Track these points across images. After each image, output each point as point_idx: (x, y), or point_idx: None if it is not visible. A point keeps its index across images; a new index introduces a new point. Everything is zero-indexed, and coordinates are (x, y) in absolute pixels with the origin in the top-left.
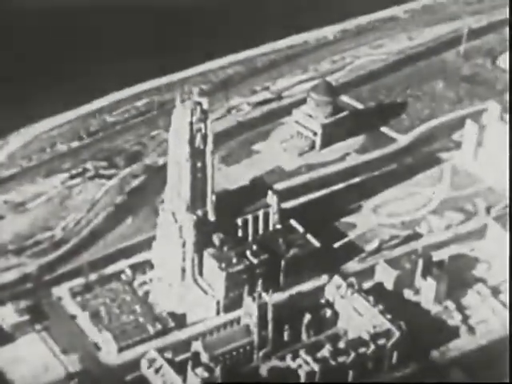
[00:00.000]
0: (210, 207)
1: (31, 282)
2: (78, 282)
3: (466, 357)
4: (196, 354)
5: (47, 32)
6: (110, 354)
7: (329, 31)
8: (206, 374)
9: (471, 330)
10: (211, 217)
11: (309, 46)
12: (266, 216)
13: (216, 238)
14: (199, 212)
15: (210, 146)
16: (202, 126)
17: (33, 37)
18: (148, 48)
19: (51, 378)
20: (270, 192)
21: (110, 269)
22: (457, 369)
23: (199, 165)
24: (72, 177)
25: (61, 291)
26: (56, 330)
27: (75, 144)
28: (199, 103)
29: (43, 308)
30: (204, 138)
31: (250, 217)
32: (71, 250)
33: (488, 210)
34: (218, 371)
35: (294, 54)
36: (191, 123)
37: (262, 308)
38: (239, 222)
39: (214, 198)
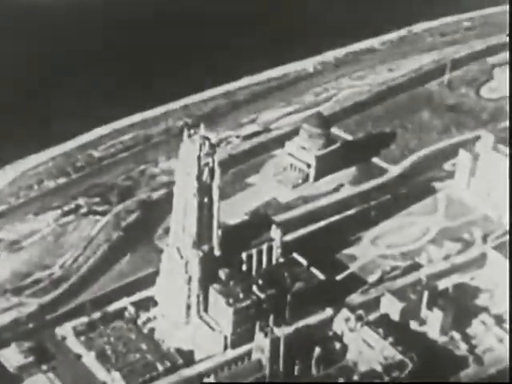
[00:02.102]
0: (215, 242)
1: (33, 322)
2: (81, 321)
3: None
4: None
5: (28, 69)
6: None
7: (308, 63)
8: None
9: (478, 359)
10: (217, 252)
11: (289, 78)
12: (270, 250)
13: (222, 273)
14: (205, 247)
15: (217, 181)
16: (210, 160)
17: (15, 74)
18: (129, 83)
19: None
20: (273, 226)
21: (112, 307)
22: None
23: (206, 200)
24: (65, 214)
25: (64, 331)
26: (63, 371)
27: (63, 180)
28: (207, 138)
29: (48, 348)
30: (211, 172)
31: (254, 251)
32: (71, 289)
33: (485, 238)
34: None
35: (275, 87)
36: (199, 158)
37: (274, 343)
38: (244, 256)
39: (219, 232)
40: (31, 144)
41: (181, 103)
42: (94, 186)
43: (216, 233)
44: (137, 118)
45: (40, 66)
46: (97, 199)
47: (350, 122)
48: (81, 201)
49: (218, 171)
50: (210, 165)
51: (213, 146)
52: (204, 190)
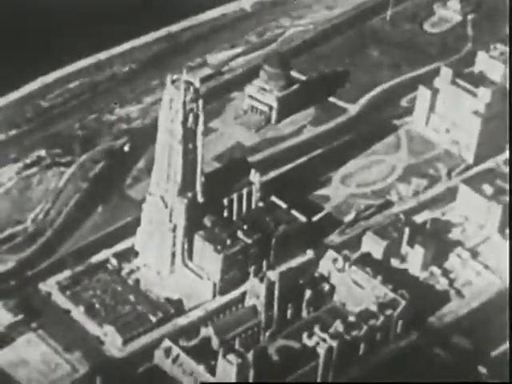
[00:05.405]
0: (199, 189)
1: (15, 279)
2: (64, 275)
3: (461, 320)
4: (206, 340)
5: None
6: (115, 348)
7: (246, 3)
8: (239, 361)
9: (459, 293)
10: (200, 199)
11: (229, 18)
12: (249, 194)
13: (207, 220)
14: (189, 194)
15: (201, 127)
16: (195, 105)
17: None
18: (69, 29)
19: (59, 376)
20: (252, 170)
21: (94, 259)
22: (458, 334)
23: (190, 146)
24: (27, 166)
25: (48, 286)
26: (53, 327)
27: (14, 132)
28: (191, 83)
29: (34, 305)
30: (196, 118)
31: (235, 196)
32: (48, 243)
33: (449, 173)
34: (250, 356)
35: (217, 28)
36: (184, 103)
37: (269, 288)
38: (225, 202)
39: (203, 179)
40: None
41: (123, 48)
42: (51, 137)
43: (199, 180)
44: (80, 64)
45: None
46: (58, 150)
47: (301, 61)
48: (42, 152)
49: (202, 117)
50: (195, 110)
51: (197, 91)
52: (189, 136)
